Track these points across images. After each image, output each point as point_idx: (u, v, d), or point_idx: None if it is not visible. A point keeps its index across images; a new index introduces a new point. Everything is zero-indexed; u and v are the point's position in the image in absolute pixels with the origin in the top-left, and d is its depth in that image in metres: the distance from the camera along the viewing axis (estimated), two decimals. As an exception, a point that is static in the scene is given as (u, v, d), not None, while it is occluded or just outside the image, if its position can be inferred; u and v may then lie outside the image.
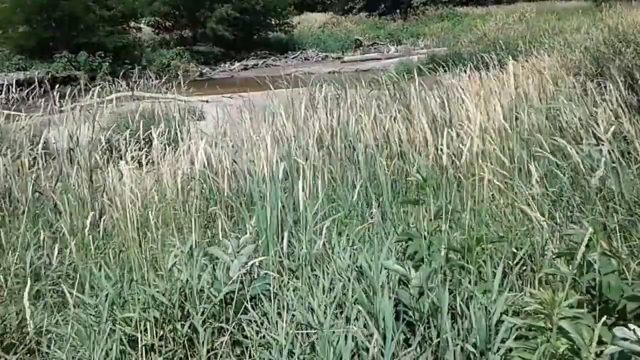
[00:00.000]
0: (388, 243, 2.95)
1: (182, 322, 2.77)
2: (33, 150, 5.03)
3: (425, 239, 2.75)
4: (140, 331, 2.69)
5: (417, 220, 3.18)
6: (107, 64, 19.11)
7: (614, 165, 3.32)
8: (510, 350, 2.25)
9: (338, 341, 2.42)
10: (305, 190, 3.51)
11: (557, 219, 3.19)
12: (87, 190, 4.21)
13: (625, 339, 1.87)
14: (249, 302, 2.81)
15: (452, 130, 4.34)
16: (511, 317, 2.33)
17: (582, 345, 1.97)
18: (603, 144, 3.02)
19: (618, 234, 2.84)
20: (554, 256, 2.68)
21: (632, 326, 1.87)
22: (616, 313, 2.31)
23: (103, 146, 5.13)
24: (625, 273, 2.45)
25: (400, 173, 4.48)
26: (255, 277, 3.03)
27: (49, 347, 2.77)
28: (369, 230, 3.49)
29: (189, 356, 2.74)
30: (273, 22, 28.42)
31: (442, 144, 3.65)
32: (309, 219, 3.37)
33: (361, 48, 27.45)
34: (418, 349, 2.44)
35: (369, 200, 4.03)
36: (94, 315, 2.77)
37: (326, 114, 5.39)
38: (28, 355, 2.86)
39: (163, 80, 11.82)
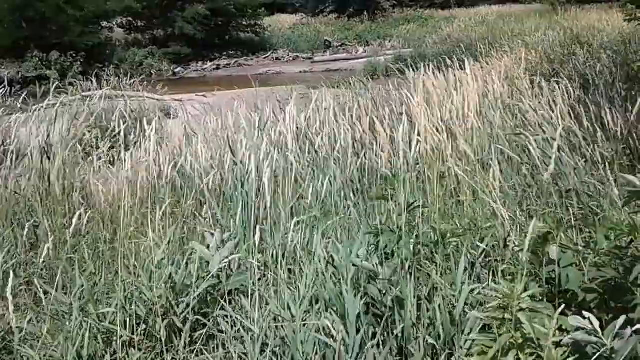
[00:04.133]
0: (360, 238, 3.04)
1: (163, 317, 2.81)
2: (1, 147, 4.99)
3: (395, 233, 2.85)
4: (120, 326, 2.71)
5: (387, 215, 3.27)
6: (79, 63, 18.87)
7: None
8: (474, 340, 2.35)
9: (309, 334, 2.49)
10: (279, 188, 3.59)
11: (518, 212, 3.32)
12: (60, 188, 4.21)
13: (580, 329, 1.93)
14: (226, 297, 2.87)
15: (417, 127, 4.45)
16: (476, 308, 2.42)
17: (540, 335, 2.03)
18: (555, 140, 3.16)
19: (574, 227, 2.98)
20: (516, 249, 2.80)
21: (587, 314, 1.93)
22: (575, 304, 2.40)
23: (75, 144, 5.11)
24: (581, 264, 2.56)
25: (369, 170, 4.58)
26: (232, 272, 3.09)
27: (20, 345, 2.77)
28: (340, 226, 3.57)
29: (165, 351, 2.77)
30: (245, 23, 28.32)
31: (407, 140, 3.76)
32: (282, 217, 3.44)
33: (330, 49, 27.54)
34: (382, 340, 2.51)
35: (339, 197, 4.12)
36: (66, 312, 2.79)
37: (296, 113, 5.46)
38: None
39: (137, 79, 11.73)
